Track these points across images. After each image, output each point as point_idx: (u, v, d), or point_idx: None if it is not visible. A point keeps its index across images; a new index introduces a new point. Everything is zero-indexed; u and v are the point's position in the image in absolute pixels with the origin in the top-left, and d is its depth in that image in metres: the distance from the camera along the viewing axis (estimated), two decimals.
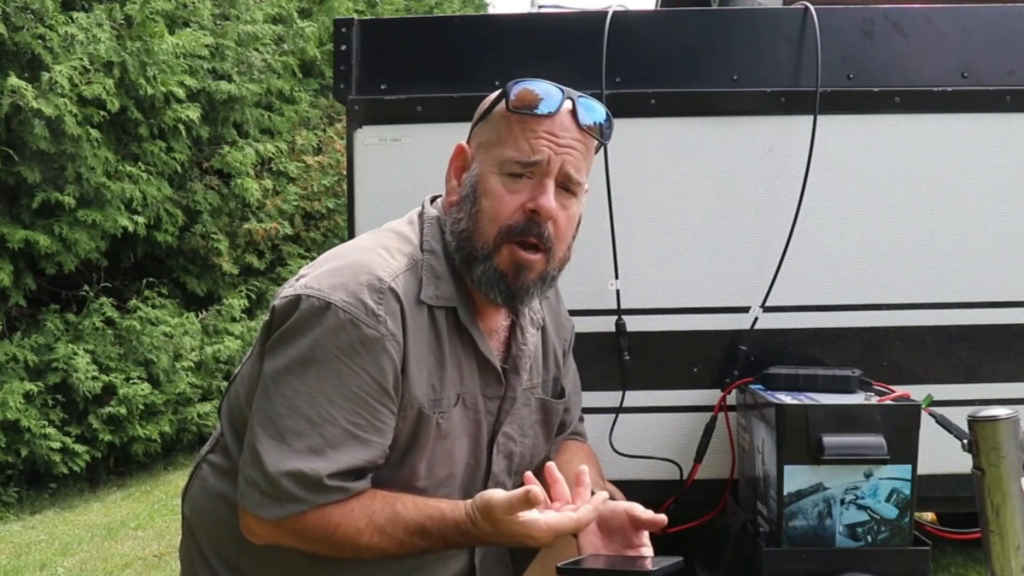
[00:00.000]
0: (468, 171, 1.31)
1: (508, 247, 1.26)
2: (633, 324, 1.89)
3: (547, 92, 1.25)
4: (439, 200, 1.39)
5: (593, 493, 1.25)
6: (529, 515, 1.15)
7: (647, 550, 1.26)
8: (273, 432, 1.18)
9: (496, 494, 1.17)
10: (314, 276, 1.24)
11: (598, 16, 1.90)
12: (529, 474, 1.20)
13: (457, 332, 1.30)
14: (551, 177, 1.25)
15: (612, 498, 1.35)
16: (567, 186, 1.27)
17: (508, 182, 1.25)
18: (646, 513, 1.26)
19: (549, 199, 1.24)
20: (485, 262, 1.26)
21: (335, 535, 1.19)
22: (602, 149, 1.82)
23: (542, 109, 1.24)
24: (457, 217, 1.30)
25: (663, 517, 1.26)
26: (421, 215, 1.36)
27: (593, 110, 1.29)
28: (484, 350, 1.32)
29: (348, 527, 1.19)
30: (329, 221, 6.46)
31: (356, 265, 1.23)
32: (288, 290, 1.24)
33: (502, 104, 1.27)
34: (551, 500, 1.22)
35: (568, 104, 1.26)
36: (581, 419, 1.62)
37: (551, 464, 1.25)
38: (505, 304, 1.31)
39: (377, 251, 1.27)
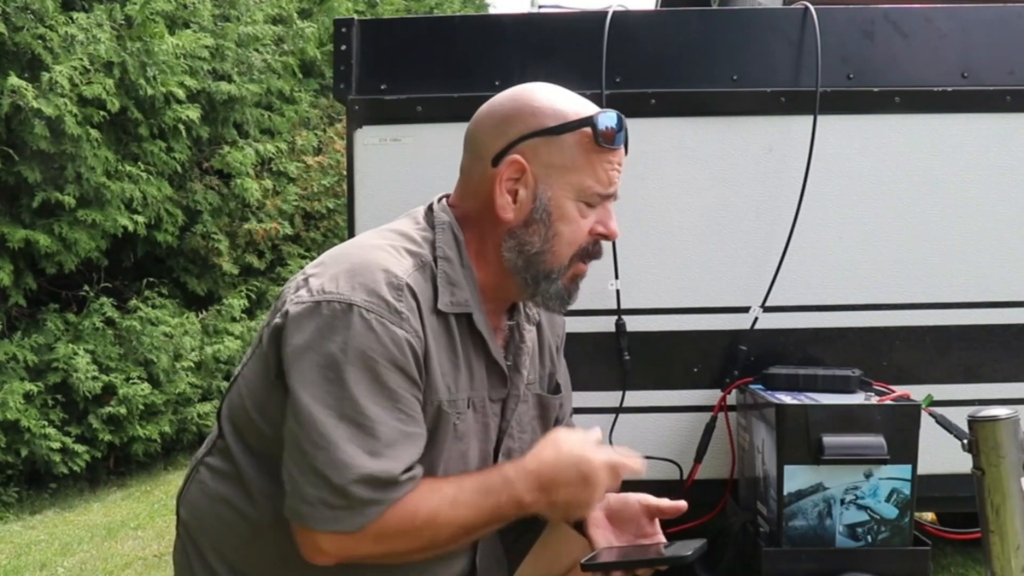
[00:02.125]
0: (530, 190, 1.28)
1: (575, 265, 1.31)
2: (633, 324, 1.89)
3: (620, 124, 1.28)
4: (446, 201, 1.37)
5: None
6: (587, 437, 1.23)
7: (660, 539, 1.27)
8: (327, 446, 1.15)
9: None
10: (328, 278, 1.21)
11: (598, 16, 1.90)
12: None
13: (470, 336, 1.30)
14: (614, 200, 1.31)
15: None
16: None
17: (584, 209, 1.29)
18: (663, 501, 1.27)
19: (616, 224, 1.31)
20: (556, 281, 1.30)
21: (416, 521, 1.17)
22: None
23: (619, 143, 1.28)
24: (527, 239, 1.29)
25: (683, 503, 1.28)
26: (429, 218, 1.34)
27: (627, 130, 1.32)
28: (495, 354, 1.32)
29: (425, 509, 1.18)
30: (329, 221, 6.46)
31: (370, 264, 1.22)
32: (303, 295, 1.21)
33: (583, 132, 1.26)
34: None
35: (624, 132, 1.30)
36: (571, 414, 1.62)
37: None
38: (559, 311, 1.38)
39: (386, 249, 1.26)
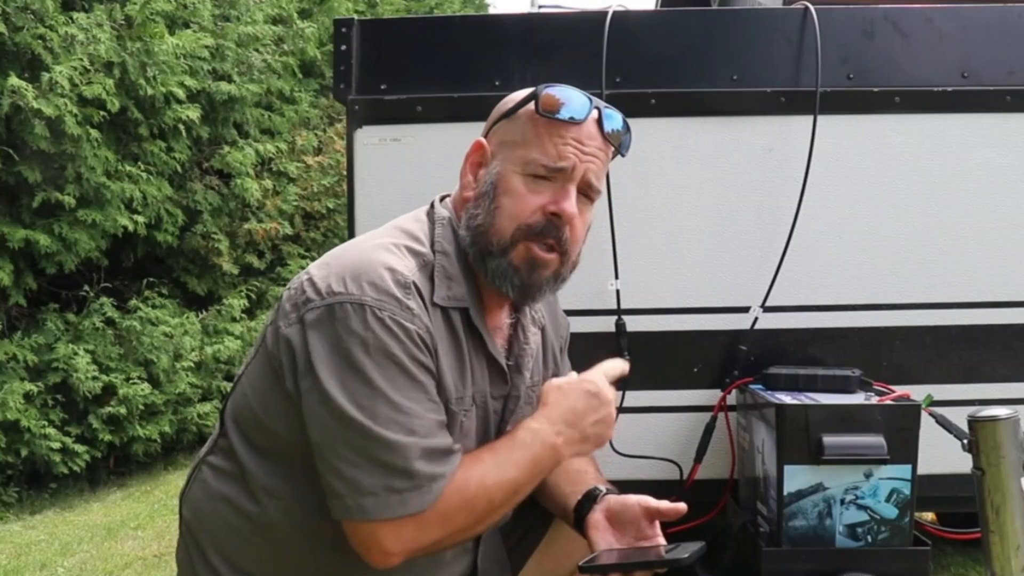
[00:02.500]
0: (486, 167, 1.31)
1: (524, 244, 1.27)
2: (633, 324, 1.89)
3: (576, 99, 1.26)
4: (448, 199, 1.38)
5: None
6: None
7: (660, 541, 1.27)
8: (376, 439, 1.15)
9: None
10: (335, 279, 1.20)
11: (598, 16, 1.90)
12: None
13: (470, 332, 1.30)
14: (574, 183, 1.27)
15: (611, 492, 1.36)
16: (587, 193, 1.30)
17: (530, 183, 1.27)
18: (663, 503, 1.28)
19: (572, 204, 1.26)
20: (500, 257, 1.27)
21: (468, 492, 1.18)
22: None
23: (571, 115, 1.25)
24: (474, 212, 1.30)
25: (682, 505, 1.28)
26: (430, 214, 1.35)
27: (615, 120, 1.31)
28: (492, 350, 1.33)
29: (474, 479, 1.19)
30: (329, 221, 6.46)
31: (376, 263, 1.22)
32: (313, 298, 1.20)
33: (530, 106, 1.27)
34: None
35: (595, 113, 1.28)
36: None
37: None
38: (517, 298, 1.32)
39: (390, 248, 1.26)
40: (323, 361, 1.18)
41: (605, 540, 1.29)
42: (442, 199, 1.39)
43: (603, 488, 1.37)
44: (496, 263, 1.27)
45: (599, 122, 1.28)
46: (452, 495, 1.17)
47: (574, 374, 1.33)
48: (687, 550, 1.21)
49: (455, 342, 1.27)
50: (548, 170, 1.26)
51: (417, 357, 1.19)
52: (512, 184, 1.27)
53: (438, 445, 1.18)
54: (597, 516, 1.32)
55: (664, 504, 1.28)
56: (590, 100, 1.27)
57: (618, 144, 1.32)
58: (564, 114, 1.25)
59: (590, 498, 1.35)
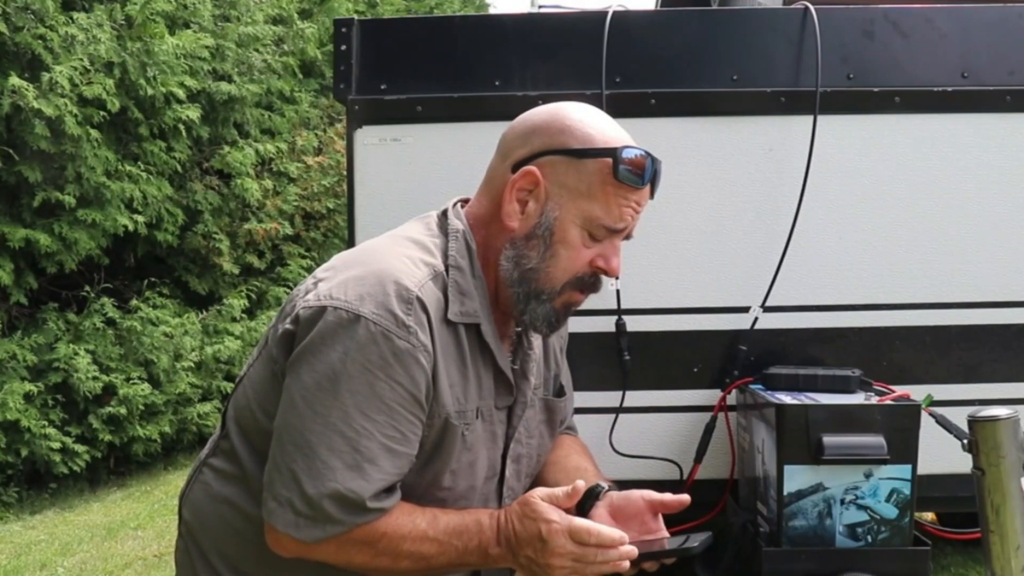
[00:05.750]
0: (539, 203, 1.26)
1: (570, 293, 1.29)
2: (633, 324, 1.89)
3: (648, 164, 1.25)
4: (460, 208, 1.35)
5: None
6: (552, 505, 1.18)
7: (664, 534, 1.27)
8: (308, 452, 1.15)
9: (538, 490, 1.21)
10: (337, 284, 1.20)
11: (598, 16, 1.90)
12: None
13: (479, 346, 1.29)
14: (621, 237, 1.29)
15: (613, 488, 1.36)
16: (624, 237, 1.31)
17: (587, 239, 1.27)
18: (666, 496, 1.27)
19: (619, 260, 1.29)
20: (547, 303, 1.28)
21: (379, 544, 1.17)
22: None
23: (641, 182, 1.25)
24: (525, 253, 1.27)
25: (686, 496, 1.27)
26: (443, 226, 1.32)
27: (660, 174, 1.29)
28: (503, 364, 1.32)
29: (392, 534, 1.18)
30: (329, 221, 6.47)
31: (381, 274, 1.20)
32: (311, 299, 1.20)
33: (604, 161, 1.23)
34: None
35: (652, 174, 1.27)
36: (572, 414, 1.62)
37: (579, 483, 1.22)
38: (545, 334, 1.37)
39: (401, 258, 1.24)
40: (299, 358, 1.19)
41: None
42: (455, 205, 1.35)
43: (605, 484, 1.36)
44: (542, 308, 1.28)
45: (654, 184, 1.28)
46: (359, 535, 1.17)
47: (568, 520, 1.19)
48: (696, 540, 1.21)
49: (460, 356, 1.26)
50: (608, 232, 1.26)
51: (397, 377, 1.16)
52: (570, 236, 1.26)
53: (354, 493, 1.14)
54: (600, 511, 1.32)
55: (668, 496, 1.28)
56: (652, 163, 1.26)
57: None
58: (638, 180, 1.24)
59: (592, 494, 1.34)
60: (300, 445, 1.16)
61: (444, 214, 1.34)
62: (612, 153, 1.23)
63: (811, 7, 1.87)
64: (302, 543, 1.16)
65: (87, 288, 4.72)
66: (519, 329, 1.39)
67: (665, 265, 1.90)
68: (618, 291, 1.88)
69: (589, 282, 1.29)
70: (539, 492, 1.20)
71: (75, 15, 4.37)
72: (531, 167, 1.25)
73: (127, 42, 4.57)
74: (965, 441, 1.32)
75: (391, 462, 1.17)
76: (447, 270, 1.26)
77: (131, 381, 4.62)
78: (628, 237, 1.31)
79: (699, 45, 1.91)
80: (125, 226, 4.63)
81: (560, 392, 1.51)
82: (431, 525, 1.20)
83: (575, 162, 1.25)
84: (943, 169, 1.88)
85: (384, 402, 1.16)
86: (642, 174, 1.24)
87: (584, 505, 1.34)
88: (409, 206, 1.41)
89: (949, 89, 1.88)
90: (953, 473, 1.76)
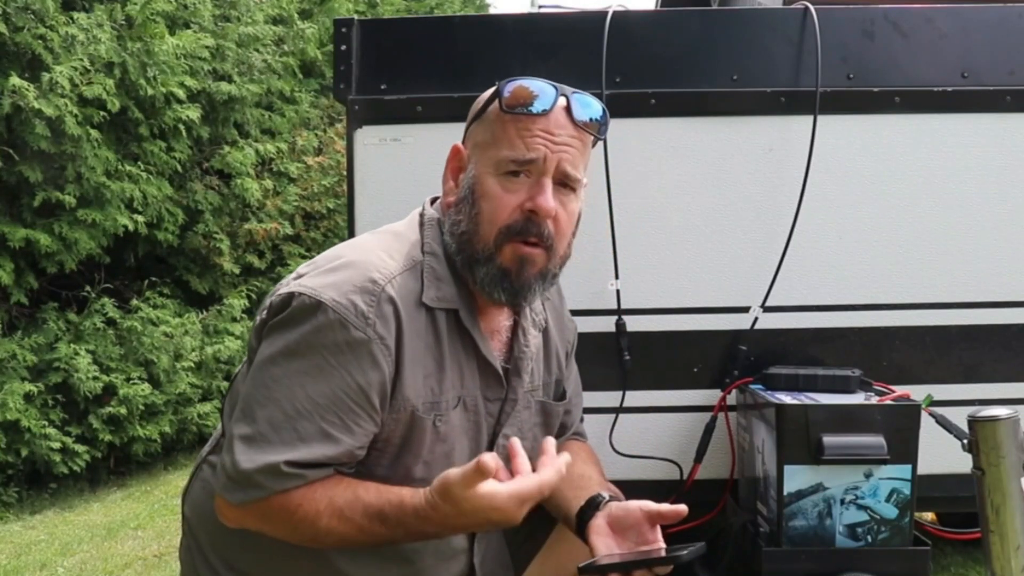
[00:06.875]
0: (465, 172, 1.30)
1: (510, 245, 1.25)
2: (633, 324, 1.89)
3: (540, 89, 1.24)
4: (438, 201, 1.38)
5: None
6: (488, 486, 1.10)
7: (660, 544, 1.27)
8: (249, 420, 1.19)
9: (450, 472, 1.12)
10: (310, 275, 1.24)
11: (598, 16, 1.90)
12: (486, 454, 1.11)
13: (458, 334, 1.30)
14: (548, 176, 1.24)
15: (615, 498, 1.36)
16: (565, 183, 1.26)
17: (505, 182, 1.25)
18: (663, 506, 1.26)
19: (548, 198, 1.23)
20: (488, 263, 1.26)
21: (295, 516, 1.18)
22: (602, 147, 1.83)
23: (536, 107, 1.23)
24: (456, 219, 1.29)
25: (683, 507, 1.26)
26: (421, 216, 1.36)
27: (588, 105, 1.28)
28: (485, 352, 1.32)
29: (308, 508, 1.17)
30: (329, 221, 6.46)
31: (352, 266, 1.23)
32: (282, 289, 1.24)
33: (496, 104, 1.26)
34: (512, 474, 1.15)
35: (562, 101, 1.25)
36: (581, 420, 1.62)
37: (514, 439, 1.20)
38: (509, 302, 1.30)
39: (376, 252, 1.26)
40: (268, 336, 1.23)
41: (606, 545, 1.29)
42: (432, 201, 1.39)
43: (606, 495, 1.36)
44: (484, 270, 1.26)
45: (568, 110, 1.25)
46: (278, 508, 1.17)
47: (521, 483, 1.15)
48: (685, 548, 1.21)
49: (436, 344, 1.26)
50: (519, 164, 1.23)
51: (346, 365, 1.17)
52: (488, 186, 1.25)
53: (278, 460, 1.14)
54: (599, 522, 1.32)
55: (664, 507, 1.27)
56: (556, 89, 1.25)
57: (594, 131, 1.28)
58: (528, 106, 1.23)
59: (592, 504, 1.34)
60: (245, 414, 1.20)
61: (424, 207, 1.38)
62: (496, 92, 1.26)
63: (811, 7, 1.87)
64: (232, 506, 1.19)
65: (87, 288, 4.72)
66: (511, 323, 1.39)
67: (665, 265, 1.90)
68: (618, 291, 1.89)
69: (524, 227, 1.24)
70: (454, 475, 1.12)
71: (75, 15, 4.37)
72: (457, 143, 1.33)
73: (127, 42, 4.56)
74: (965, 441, 1.32)
75: (326, 448, 1.18)
76: (424, 257, 1.28)
77: (131, 381, 4.61)
78: (569, 180, 1.26)
79: (699, 45, 1.92)
80: (125, 226, 4.63)
81: (561, 396, 1.51)
82: (351, 506, 1.18)
83: (481, 120, 1.30)
84: (943, 169, 1.89)
85: (330, 387, 1.18)
86: (530, 101, 1.23)
87: (584, 515, 1.34)
88: (409, 206, 1.42)
89: (949, 89, 1.88)
90: (953, 473, 1.76)
